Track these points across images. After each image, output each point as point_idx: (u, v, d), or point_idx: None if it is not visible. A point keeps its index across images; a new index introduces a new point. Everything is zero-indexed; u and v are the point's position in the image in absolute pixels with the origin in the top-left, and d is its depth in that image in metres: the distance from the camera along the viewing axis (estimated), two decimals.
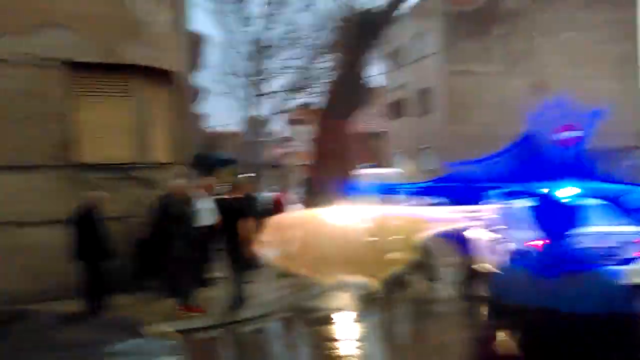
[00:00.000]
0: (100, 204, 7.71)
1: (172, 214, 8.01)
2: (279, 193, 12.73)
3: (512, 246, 7.94)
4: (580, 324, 1.89)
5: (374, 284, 9.32)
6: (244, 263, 7.94)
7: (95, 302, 7.34)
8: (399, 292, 9.16)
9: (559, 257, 2.01)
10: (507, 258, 7.11)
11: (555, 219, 2.12)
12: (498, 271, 2.22)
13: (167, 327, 7.16)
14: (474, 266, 8.39)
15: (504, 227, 8.67)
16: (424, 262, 9.39)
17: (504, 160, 8.01)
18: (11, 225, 8.51)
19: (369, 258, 8.95)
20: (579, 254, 2.04)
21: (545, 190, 2.57)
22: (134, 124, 9.34)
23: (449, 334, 7.77)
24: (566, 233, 2.08)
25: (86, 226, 7.47)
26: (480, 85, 26.87)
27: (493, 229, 8.65)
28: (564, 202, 2.18)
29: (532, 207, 2.25)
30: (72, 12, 8.85)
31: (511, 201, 9.05)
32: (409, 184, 11.07)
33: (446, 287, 9.21)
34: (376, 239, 9.37)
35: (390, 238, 9.59)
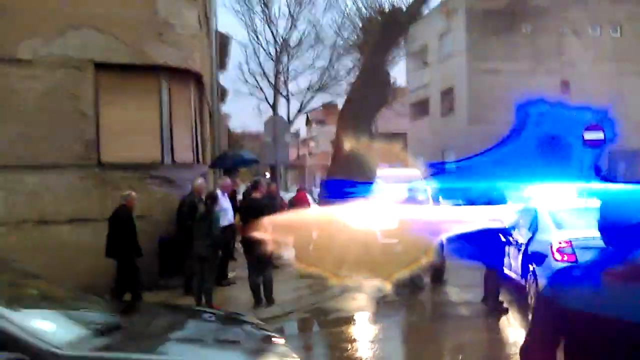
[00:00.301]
0: (132, 203, 7.87)
1: (195, 213, 8.12)
2: (300, 193, 12.75)
3: (538, 247, 7.86)
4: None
5: (388, 285, 9.36)
6: (263, 262, 8.07)
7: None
8: (415, 294, 9.14)
9: (623, 262, 1.90)
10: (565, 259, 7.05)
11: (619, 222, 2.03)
12: (559, 272, 2.08)
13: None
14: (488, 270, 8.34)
15: (526, 228, 8.57)
16: (439, 265, 9.35)
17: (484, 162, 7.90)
18: (36, 223, 8.71)
19: (384, 260, 8.98)
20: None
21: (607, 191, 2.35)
22: (159, 124, 9.47)
23: (465, 336, 7.74)
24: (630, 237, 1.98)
25: (120, 224, 7.66)
26: (506, 84, 26.52)
27: (514, 231, 8.57)
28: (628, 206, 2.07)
29: (599, 208, 2.15)
30: (99, 14, 9.02)
31: (531, 203, 8.96)
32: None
33: (462, 290, 9.15)
34: (393, 241, 9.39)
35: (405, 240, 9.65)
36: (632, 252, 1.92)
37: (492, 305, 7.98)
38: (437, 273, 9.54)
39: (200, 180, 8.71)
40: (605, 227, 2.11)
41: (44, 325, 3.30)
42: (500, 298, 8.12)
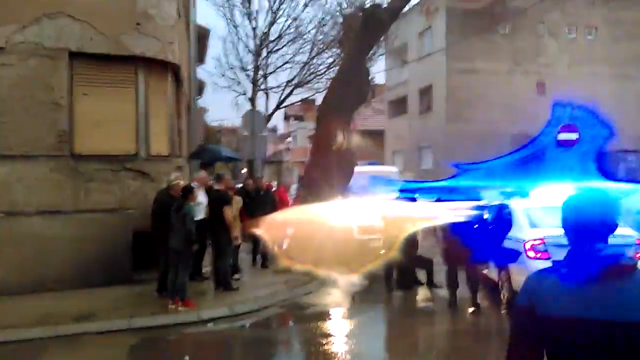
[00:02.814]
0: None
1: (169, 207, 8.05)
2: (279, 189, 12.74)
3: (511, 244, 7.95)
4: (619, 333, 1.78)
5: (359, 278, 9.39)
6: (222, 249, 8.75)
7: None
8: (391, 289, 9.18)
9: (593, 260, 1.88)
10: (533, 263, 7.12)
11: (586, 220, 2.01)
12: (531, 279, 2.02)
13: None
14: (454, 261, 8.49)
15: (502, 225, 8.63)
16: (408, 259, 9.35)
17: (510, 162, 7.98)
18: (5, 214, 8.52)
19: (356, 254, 9.03)
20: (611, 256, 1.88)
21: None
22: (135, 116, 9.33)
23: (439, 330, 7.81)
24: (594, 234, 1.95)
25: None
26: (484, 83, 26.83)
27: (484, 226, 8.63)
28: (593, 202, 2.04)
29: (562, 208, 2.13)
30: (76, 2, 8.85)
31: (509, 200, 9.07)
32: (419, 182, 11.08)
33: (436, 285, 9.22)
34: (371, 237, 9.42)
35: (376, 236, 9.67)
36: (595, 251, 1.91)
37: (474, 300, 8.07)
38: (424, 268, 9.47)
39: (175, 175, 8.56)
40: (566, 226, 2.10)
41: None
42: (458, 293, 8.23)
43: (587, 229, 1.98)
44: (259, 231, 9.01)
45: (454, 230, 8.50)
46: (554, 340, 1.89)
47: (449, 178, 9.76)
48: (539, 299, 1.91)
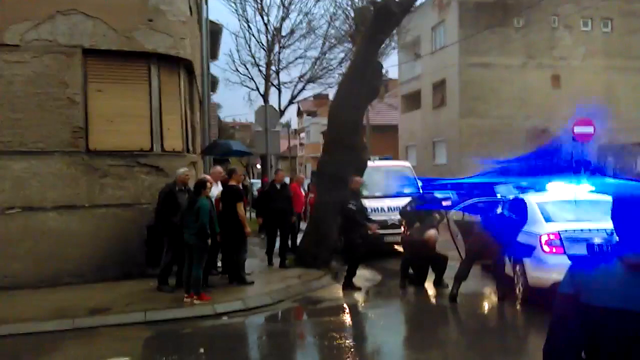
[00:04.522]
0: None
1: (173, 203, 8.15)
2: (293, 184, 12.73)
3: (526, 239, 7.90)
4: None
5: (373, 273, 9.37)
6: (237, 244, 8.76)
7: None
8: (405, 285, 9.13)
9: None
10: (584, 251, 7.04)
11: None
12: (577, 265, 1.98)
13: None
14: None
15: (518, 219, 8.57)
16: (442, 258, 9.29)
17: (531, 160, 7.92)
18: (21, 209, 8.62)
19: (371, 249, 9.01)
20: None
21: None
22: (148, 112, 9.38)
23: (452, 323, 7.78)
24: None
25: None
26: (498, 77, 26.59)
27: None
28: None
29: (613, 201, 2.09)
30: (89, 0, 8.90)
31: (524, 195, 9.01)
32: (447, 180, 11.10)
33: (445, 285, 9.16)
34: (385, 231, 9.40)
35: (390, 231, 9.59)
36: None
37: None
38: (439, 266, 9.31)
39: (183, 170, 8.59)
40: (618, 217, 2.04)
41: None
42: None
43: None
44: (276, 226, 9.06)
45: (476, 225, 8.49)
46: (596, 330, 1.85)
47: (478, 175, 9.71)
48: (585, 287, 1.87)
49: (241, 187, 9.76)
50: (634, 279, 1.82)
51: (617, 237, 2.02)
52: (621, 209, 1.99)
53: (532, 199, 8.49)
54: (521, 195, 9.17)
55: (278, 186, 10.67)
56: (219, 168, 10.17)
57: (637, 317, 1.78)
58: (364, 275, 9.68)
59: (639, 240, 1.88)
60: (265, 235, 11.30)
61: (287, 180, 12.49)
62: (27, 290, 8.16)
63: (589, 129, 16.07)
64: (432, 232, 8.92)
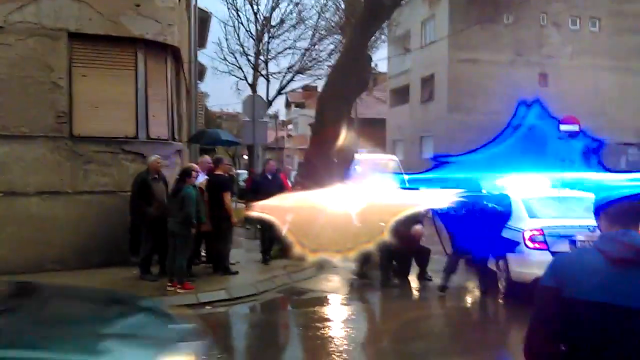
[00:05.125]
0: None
1: (146, 191, 8.08)
2: (281, 175, 12.66)
3: (509, 234, 7.95)
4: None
5: (357, 264, 9.37)
6: (222, 233, 8.72)
7: None
8: (388, 277, 9.14)
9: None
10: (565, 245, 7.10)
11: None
12: (559, 259, 2.01)
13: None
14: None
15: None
16: (425, 251, 9.32)
17: (502, 150, 7.99)
18: (3, 194, 8.49)
19: (355, 241, 9.03)
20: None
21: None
22: (134, 98, 9.27)
23: (435, 315, 7.83)
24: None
25: None
26: (486, 73, 26.66)
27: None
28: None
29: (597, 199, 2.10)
30: None
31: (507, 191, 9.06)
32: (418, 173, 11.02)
33: (436, 275, 9.20)
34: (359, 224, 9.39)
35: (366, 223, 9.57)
36: (629, 238, 1.89)
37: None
38: (422, 259, 9.34)
39: (155, 157, 8.46)
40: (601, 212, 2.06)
41: None
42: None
43: (622, 216, 1.96)
44: (267, 217, 9.00)
45: (457, 219, 8.52)
46: (577, 323, 1.87)
47: (428, 170, 9.76)
48: (567, 281, 1.89)
49: (228, 177, 9.70)
50: (616, 272, 1.83)
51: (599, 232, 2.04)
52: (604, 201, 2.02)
53: (517, 195, 8.54)
54: (505, 191, 9.23)
55: (269, 176, 10.56)
56: (207, 157, 10.09)
57: (618, 310, 1.80)
58: (349, 267, 9.69)
59: (619, 234, 1.90)
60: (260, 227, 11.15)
61: None
62: (9, 276, 8.04)
63: (575, 127, 16.23)
64: (418, 227, 8.94)
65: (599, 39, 27.95)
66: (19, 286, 4.00)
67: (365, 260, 9.13)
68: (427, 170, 8.48)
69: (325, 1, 22.15)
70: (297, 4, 21.68)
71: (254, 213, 9.32)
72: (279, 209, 9.18)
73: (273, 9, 21.54)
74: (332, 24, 22.35)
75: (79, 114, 8.97)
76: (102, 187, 8.96)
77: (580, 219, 7.18)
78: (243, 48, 22.01)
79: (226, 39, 24.01)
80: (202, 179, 8.71)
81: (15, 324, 3.00)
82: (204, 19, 17.52)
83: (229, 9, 21.77)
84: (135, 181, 8.31)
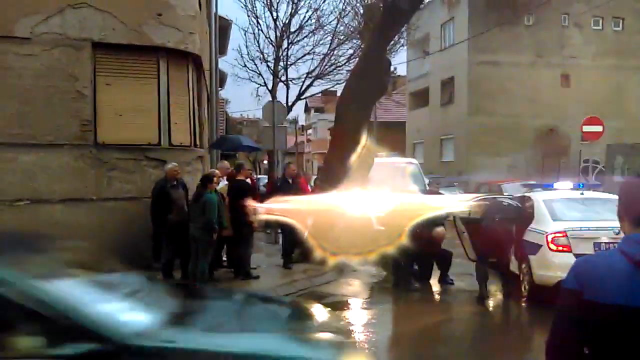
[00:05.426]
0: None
1: (165, 198, 8.20)
2: (301, 180, 12.72)
3: (532, 237, 7.88)
4: None
5: (378, 268, 9.33)
6: (244, 238, 8.83)
7: None
8: (409, 280, 9.12)
9: None
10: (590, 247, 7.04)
11: None
12: (583, 261, 1.97)
13: None
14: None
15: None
16: (447, 255, 9.26)
17: None
18: (29, 202, 8.68)
19: (376, 245, 9.02)
20: None
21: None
22: (157, 106, 9.41)
23: (457, 320, 7.78)
24: None
25: None
26: (507, 75, 26.45)
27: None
28: None
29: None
30: None
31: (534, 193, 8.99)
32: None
33: (457, 278, 9.16)
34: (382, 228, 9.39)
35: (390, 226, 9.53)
36: None
37: (483, 294, 8.02)
38: (444, 263, 9.30)
39: (172, 164, 8.57)
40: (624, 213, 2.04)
41: (115, 314, 3.07)
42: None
43: None
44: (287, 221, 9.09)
45: (480, 222, 8.46)
46: (600, 326, 1.85)
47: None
48: (590, 283, 1.87)
49: (250, 182, 9.78)
50: (639, 275, 1.82)
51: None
52: (627, 201, 1.99)
53: (539, 197, 8.46)
54: (528, 194, 9.15)
55: (290, 180, 10.60)
56: (226, 163, 10.20)
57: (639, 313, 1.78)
58: (369, 271, 9.69)
59: None
60: (281, 231, 11.20)
61: None
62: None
63: (598, 128, 16.00)
64: (440, 229, 8.91)
65: (622, 39, 27.53)
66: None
67: (396, 266, 9.08)
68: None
69: (343, 6, 22.17)
70: (315, 10, 21.76)
71: (273, 217, 9.37)
72: (299, 212, 9.23)
73: (292, 15, 21.63)
74: (351, 29, 22.36)
75: (103, 122, 9.13)
76: (126, 193, 9.10)
77: (603, 221, 7.09)
78: (263, 55, 22.15)
79: (246, 46, 24.17)
80: (222, 184, 8.82)
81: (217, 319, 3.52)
82: (224, 26, 17.71)
83: (248, 16, 21.84)
84: (154, 189, 8.43)
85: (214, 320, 3.56)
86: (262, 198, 9.76)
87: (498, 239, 7.89)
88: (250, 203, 8.85)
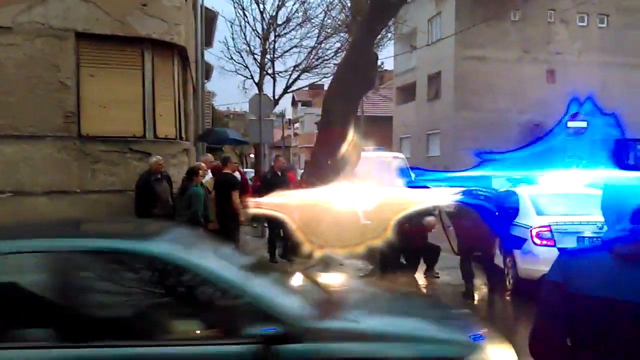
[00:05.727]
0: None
1: (149, 191, 8.13)
2: (289, 174, 12.69)
3: (517, 231, 7.93)
4: None
5: (364, 262, 9.33)
6: (231, 232, 8.74)
7: None
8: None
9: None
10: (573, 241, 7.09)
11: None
12: (566, 254, 2.00)
13: None
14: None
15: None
16: (434, 248, 9.29)
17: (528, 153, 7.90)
18: (12, 194, 8.56)
19: (363, 239, 9.03)
20: None
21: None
22: (141, 98, 9.30)
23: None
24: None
25: None
26: (493, 71, 26.59)
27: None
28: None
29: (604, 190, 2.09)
30: None
31: (517, 187, 9.04)
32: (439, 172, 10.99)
33: (442, 272, 9.20)
34: (368, 222, 9.40)
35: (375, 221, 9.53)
36: (635, 233, 1.87)
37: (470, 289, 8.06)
38: (431, 257, 9.33)
39: (156, 158, 8.49)
40: (607, 207, 2.06)
41: (286, 298, 3.36)
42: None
43: (628, 211, 1.94)
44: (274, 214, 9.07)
45: (466, 216, 8.48)
46: (583, 318, 1.86)
47: (472, 167, 9.66)
48: (572, 276, 1.88)
49: (240, 176, 9.73)
50: (622, 268, 1.83)
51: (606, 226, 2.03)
52: (609, 195, 2.01)
53: (524, 192, 8.52)
54: (513, 188, 9.21)
55: (278, 173, 10.54)
56: (210, 156, 10.14)
57: (624, 305, 1.80)
58: (355, 265, 9.70)
59: (626, 229, 1.90)
60: (267, 225, 11.18)
61: None
62: None
63: (582, 124, 16.16)
64: (430, 218, 8.93)
65: (607, 36, 27.80)
66: None
67: (383, 260, 9.09)
68: (471, 168, 8.45)
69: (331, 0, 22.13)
70: (303, 3, 21.70)
71: (260, 210, 9.34)
72: (286, 206, 9.20)
73: (279, 7, 21.56)
74: (339, 22, 22.35)
75: (86, 114, 9.01)
76: (110, 186, 9.00)
77: (587, 216, 7.16)
78: (249, 47, 22.07)
79: (233, 38, 24.04)
80: (207, 177, 8.76)
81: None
82: (210, 18, 17.56)
83: (235, 8, 21.93)
84: (137, 183, 8.34)
85: (370, 307, 3.86)
86: (254, 192, 9.73)
87: (482, 232, 7.92)
88: (245, 198, 8.82)
